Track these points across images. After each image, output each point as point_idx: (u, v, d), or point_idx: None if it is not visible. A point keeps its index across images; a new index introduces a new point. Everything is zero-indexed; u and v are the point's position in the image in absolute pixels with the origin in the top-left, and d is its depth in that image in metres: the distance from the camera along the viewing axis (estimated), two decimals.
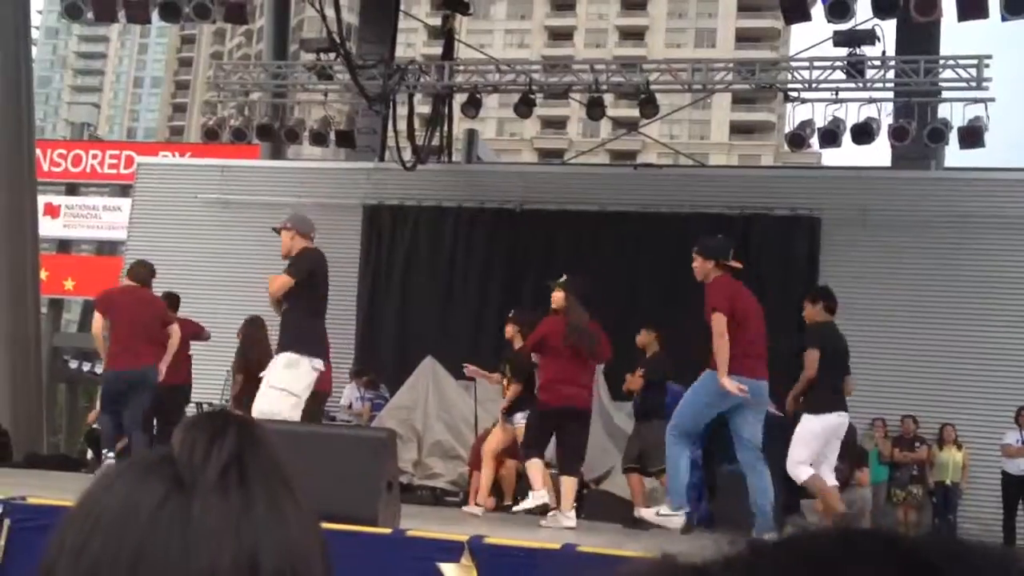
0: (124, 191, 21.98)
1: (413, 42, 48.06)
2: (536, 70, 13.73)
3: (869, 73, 12.03)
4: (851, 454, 8.77)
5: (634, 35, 65.47)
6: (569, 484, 7.37)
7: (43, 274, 13.89)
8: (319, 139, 13.90)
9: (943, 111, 12.13)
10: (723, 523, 9.27)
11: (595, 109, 12.96)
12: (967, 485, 11.56)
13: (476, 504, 8.09)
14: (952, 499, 11.53)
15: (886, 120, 12.13)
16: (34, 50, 20.40)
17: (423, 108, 16.27)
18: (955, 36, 13.86)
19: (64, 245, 24.92)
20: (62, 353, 25.77)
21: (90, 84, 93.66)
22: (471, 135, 19.08)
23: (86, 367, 23.33)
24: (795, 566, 0.56)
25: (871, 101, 12.26)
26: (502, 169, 17.11)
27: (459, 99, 14.04)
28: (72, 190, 24.89)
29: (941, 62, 12.11)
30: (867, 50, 12.00)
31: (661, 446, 7.03)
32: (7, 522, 4.68)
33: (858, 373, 11.84)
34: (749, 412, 6.43)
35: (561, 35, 66.91)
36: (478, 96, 13.33)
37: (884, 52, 12.30)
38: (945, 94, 12.10)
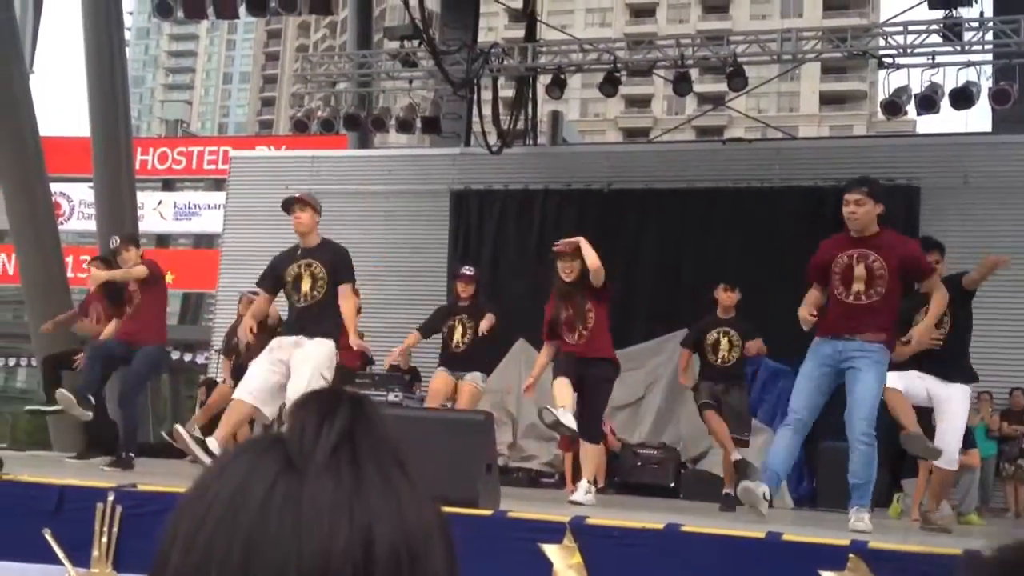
0: (218, 186, 22.47)
1: (495, 26, 48.02)
2: (620, 48, 13.56)
3: (967, 35, 11.61)
4: None
5: (718, 8, 64.35)
6: None
7: None
8: (405, 126, 13.99)
9: None
10: (826, 500, 9.13)
11: (682, 84, 12.75)
12: None
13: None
14: None
15: (986, 83, 11.71)
16: (128, 51, 20.95)
17: (507, 92, 16.28)
18: None
19: (163, 239, 25.62)
20: (164, 344, 26.31)
21: (181, 82, 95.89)
22: (556, 117, 19.04)
23: (187, 358, 23.95)
24: None
25: (969, 64, 11.83)
26: (588, 150, 17.00)
27: (543, 81, 13.99)
28: (168, 186, 25.56)
29: None
30: (964, 11, 11.60)
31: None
32: (119, 508, 4.82)
33: None
34: None
35: (643, 12, 66.11)
36: (562, 77, 13.24)
37: (982, 13, 11.88)
38: None
